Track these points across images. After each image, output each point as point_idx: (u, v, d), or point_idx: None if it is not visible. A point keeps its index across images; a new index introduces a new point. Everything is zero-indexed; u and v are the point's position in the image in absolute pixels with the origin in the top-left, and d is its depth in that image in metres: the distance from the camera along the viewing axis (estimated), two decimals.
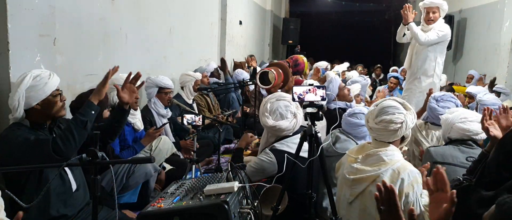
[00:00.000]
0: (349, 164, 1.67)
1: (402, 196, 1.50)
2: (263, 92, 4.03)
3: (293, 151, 2.03)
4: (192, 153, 2.59)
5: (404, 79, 5.55)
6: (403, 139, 1.67)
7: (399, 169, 1.54)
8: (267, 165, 2.04)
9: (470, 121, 1.95)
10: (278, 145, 2.10)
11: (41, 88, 1.64)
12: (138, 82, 1.89)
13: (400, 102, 1.65)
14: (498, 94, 4.18)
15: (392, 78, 5.73)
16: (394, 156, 1.59)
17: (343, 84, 2.95)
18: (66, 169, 1.75)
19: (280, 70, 2.63)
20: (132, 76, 1.89)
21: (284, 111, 2.08)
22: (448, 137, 2.05)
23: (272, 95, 2.22)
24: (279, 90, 3.01)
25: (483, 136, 1.97)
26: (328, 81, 2.89)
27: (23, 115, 1.65)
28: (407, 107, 1.64)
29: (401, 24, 3.54)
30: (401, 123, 1.58)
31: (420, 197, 1.54)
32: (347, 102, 2.88)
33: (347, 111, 2.29)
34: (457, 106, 2.42)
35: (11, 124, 1.67)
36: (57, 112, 1.71)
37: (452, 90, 5.05)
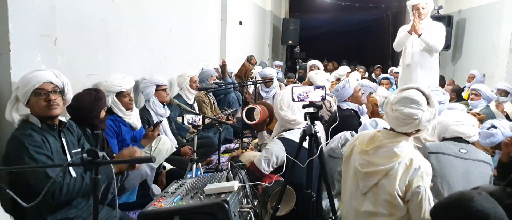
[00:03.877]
0: (360, 156, 1.65)
1: (412, 186, 1.52)
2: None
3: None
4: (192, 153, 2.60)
5: (395, 79, 5.59)
6: (418, 130, 1.60)
7: (411, 160, 1.54)
8: (276, 151, 2.11)
9: (464, 124, 1.99)
10: (286, 134, 2.19)
11: (22, 86, 1.63)
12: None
13: (426, 95, 1.58)
14: (505, 93, 4.16)
15: (382, 80, 5.76)
16: (405, 147, 1.57)
17: (359, 87, 2.97)
18: (72, 171, 1.75)
19: (266, 108, 2.76)
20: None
21: (300, 105, 2.16)
22: (442, 137, 2.10)
23: (287, 90, 2.28)
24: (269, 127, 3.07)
25: (474, 138, 2.04)
26: (345, 81, 2.93)
27: (15, 113, 1.65)
28: (431, 103, 1.57)
29: (406, 33, 3.50)
30: (415, 119, 1.53)
31: (429, 189, 1.54)
32: (359, 106, 2.91)
33: (370, 120, 2.32)
34: (443, 94, 2.60)
35: (21, 123, 1.67)
36: (41, 112, 1.65)
37: (460, 90, 5.06)
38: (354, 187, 1.67)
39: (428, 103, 1.57)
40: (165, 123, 3.12)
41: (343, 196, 1.76)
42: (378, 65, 8.11)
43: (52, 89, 1.68)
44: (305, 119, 1.73)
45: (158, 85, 3.04)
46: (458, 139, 2.01)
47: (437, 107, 1.59)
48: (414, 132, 1.61)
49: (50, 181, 1.37)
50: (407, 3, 3.60)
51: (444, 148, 1.96)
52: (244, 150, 3.01)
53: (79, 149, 1.82)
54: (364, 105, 3.00)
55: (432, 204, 1.53)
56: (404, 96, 1.57)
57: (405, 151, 1.56)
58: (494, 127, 2.34)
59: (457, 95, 4.82)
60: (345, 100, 2.90)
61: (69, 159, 1.70)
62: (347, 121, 2.65)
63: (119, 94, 2.56)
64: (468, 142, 2.02)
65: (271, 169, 2.12)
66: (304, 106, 1.73)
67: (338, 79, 6.20)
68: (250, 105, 2.77)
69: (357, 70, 6.65)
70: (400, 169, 1.53)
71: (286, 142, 2.13)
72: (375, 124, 2.22)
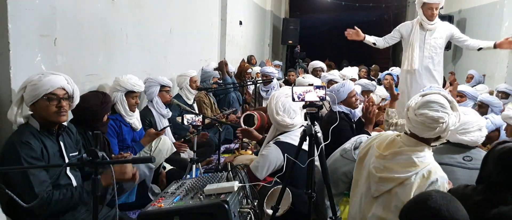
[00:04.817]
0: (376, 159, 1.60)
1: None
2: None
3: (296, 143, 2.08)
4: (192, 152, 2.60)
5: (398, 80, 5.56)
6: (438, 137, 1.56)
7: (429, 173, 1.49)
8: (272, 156, 2.09)
9: (470, 132, 1.87)
10: (282, 137, 2.16)
11: (32, 88, 1.62)
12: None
13: (448, 100, 1.54)
14: (506, 95, 4.13)
15: (386, 76, 5.69)
16: (425, 158, 1.52)
17: (355, 92, 2.96)
18: (69, 174, 1.75)
19: (264, 115, 2.78)
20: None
21: (295, 107, 2.16)
22: (446, 140, 2.00)
23: (280, 92, 2.26)
24: (266, 134, 3.07)
25: (481, 141, 1.95)
26: (341, 85, 2.92)
27: (19, 115, 1.63)
28: (454, 107, 1.53)
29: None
30: (442, 123, 1.48)
31: None
32: (351, 109, 2.90)
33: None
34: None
35: (20, 126, 1.66)
36: (50, 117, 1.64)
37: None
38: (365, 189, 1.64)
39: (451, 107, 1.52)
40: (166, 123, 3.12)
41: (352, 196, 1.73)
42: (374, 66, 8.10)
43: (63, 96, 1.68)
44: (305, 119, 1.72)
45: (162, 86, 3.06)
46: (462, 145, 1.92)
47: (460, 112, 1.55)
48: (434, 139, 1.57)
49: (37, 200, 1.35)
50: (416, 2, 3.43)
51: (446, 158, 1.88)
52: (244, 151, 3.01)
53: (77, 152, 1.82)
54: (357, 110, 2.98)
55: None
56: (428, 100, 1.52)
57: (425, 162, 1.51)
58: (485, 118, 2.42)
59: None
60: (338, 103, 2.89)
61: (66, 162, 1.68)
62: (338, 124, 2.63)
63: (128, 94, 2.57)
64: (474, 147, 1.92)
65: (267, 175, 2.11)
66: (304, 107, 1.72)
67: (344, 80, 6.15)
68: (249, 112, 2.79)
69: (360, 70, 6.62)
70: (417, 180, 1.48)
71: (283, 146, 2.11)
72: None
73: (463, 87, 3.86)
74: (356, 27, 3.44)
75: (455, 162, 1.86)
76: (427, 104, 1.51)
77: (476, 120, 1.91)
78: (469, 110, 2.01)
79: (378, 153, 1.60)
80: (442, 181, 1.50)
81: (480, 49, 3.44)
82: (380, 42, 3.60)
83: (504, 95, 4.10)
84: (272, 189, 1.83)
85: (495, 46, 3.34)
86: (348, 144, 2.19)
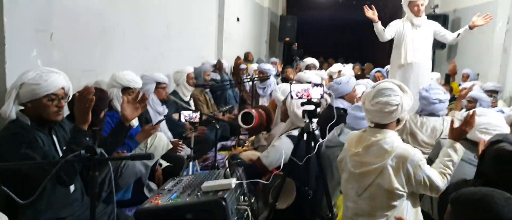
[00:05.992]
0: (351, 158, 1.66)
1: (412, 178, 1.55)
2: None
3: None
4: (186, 149, 2.60)
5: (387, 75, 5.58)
6: (398, 121, 1.66)
7: (403, 156, 1.56)
8: (284, 148, 2.09)
9: (489, 133, 1.86)
10: (295, 132, 2.16)
11: (32, 88, 1.58)
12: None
13: (397, 84, 1.63)
14: (495, 92, 4.16)
15: (376, 73, 5.70)
16: (393, 142, 1.59)
17: (356, 88, 2.97)
18: None
19: (263, 112, 2.77)
20: (140, 96, 1.89)
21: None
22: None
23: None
24: (264, 131, 3.05)
25: None
26: (347, 78, 2.94)
27: (14, 111, 1.60)
28: (404, 89, 1.63)
29: (378, 24, 3.48)
30: (397, 105, 1.57)
31: (428, 171, 1.57)
32: (351, 105, 2.91)
33: (352, 106, 2.30)
34: (444, 93, 2.53)
35: (8, 122, 1.62)
36: (49, 116, 1.63)
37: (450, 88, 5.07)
38: (350, 190, 1.68)
39: (401, 90, 1.61)
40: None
41: (344, 201, 1.77)
42: (367, 64, 8.14)
43: (62, 95, 1.67)
44: (303, 117, 1.73)
45: (158, 83, 3.04)
46: (477, 144, 1.89)
47: (410, 92, 1.64)
48: (397, 123, 1.65)
49: (51, 174, 1.28)
50: (402, 2, 3.56)
51: None
52: (241, 148, 3.01)
53: None
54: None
55: (433, 173, 1.57)
56: (378, 89, 1.63)
57: (395, 146, 1.58)
58: (502, 111, 2.39)
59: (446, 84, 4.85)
60: (342, 97, 2.89)
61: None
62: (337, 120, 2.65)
63: (125, 91, 2.55)
64: None
65: (277, 166, 2.12)
66: (302, 104, 1.73)
67: (331, 77, 6.19)
68: (247, 110, 2.78)
69: (353, 68, 6.64)
70: (394, 165, 1.55)
71: (295, 140, 2.09)
72: (358, 108, 2.19)
73: (474, 93, 3.89)
74: (373, 7, 3.48)
75: (466, 158, 1.88)
76: (379, 93, 1.60)
77: (499, 124, 1.92)
78: (495, 114, 2.00)
79: (351, 152, 1.67)
80: (418, 157, 1.57)
81: (458, 35, 3.60)
82: (385, 35, 3.60)
83: (493, 93, 4.15)
84: (277, 182, 1.83)
85: (470, 28, 3.51)
86: (330, 135, 2.22)
